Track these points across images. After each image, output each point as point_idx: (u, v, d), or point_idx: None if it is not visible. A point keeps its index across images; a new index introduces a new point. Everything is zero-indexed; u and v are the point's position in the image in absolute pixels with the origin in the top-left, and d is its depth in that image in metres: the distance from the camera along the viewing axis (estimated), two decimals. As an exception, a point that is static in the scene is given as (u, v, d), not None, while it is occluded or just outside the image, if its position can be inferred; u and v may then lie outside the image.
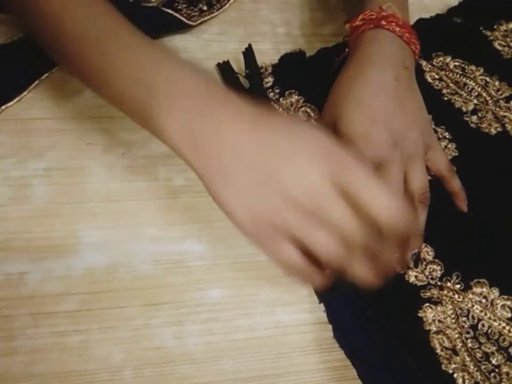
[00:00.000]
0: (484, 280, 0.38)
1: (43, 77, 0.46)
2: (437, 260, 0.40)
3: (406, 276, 0.39)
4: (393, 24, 0.42)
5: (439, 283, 0.39)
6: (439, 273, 0.39)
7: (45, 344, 0.35)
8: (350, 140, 0.39)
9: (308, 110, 0.46)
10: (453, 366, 0.35)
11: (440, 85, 0.49)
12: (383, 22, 0.42)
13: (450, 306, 0.37)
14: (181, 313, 0.37)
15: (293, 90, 0.47)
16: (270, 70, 0.48)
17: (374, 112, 0.39)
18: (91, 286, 0.38)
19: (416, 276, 0.39)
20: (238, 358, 0.36)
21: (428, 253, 0.40)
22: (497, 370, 0.35)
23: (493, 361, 0.36)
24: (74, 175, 0.42)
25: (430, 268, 0.39)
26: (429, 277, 0.39)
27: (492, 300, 0.38)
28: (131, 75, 0.34)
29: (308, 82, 0.47)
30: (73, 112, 0.45)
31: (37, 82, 0.45)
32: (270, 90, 0.47)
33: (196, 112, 0.32)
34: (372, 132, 0.38)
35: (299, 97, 0.46)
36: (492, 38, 0.53)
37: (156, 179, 0.43)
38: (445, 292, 0.38)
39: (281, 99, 0.46)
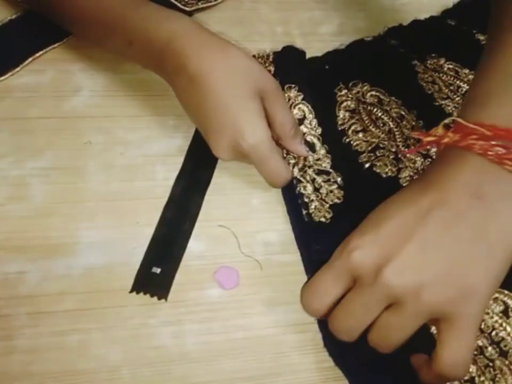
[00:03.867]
0: None
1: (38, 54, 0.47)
2: None
3: None
4: (473, 137, 0.31)
5: None
6: None
7: (43, 344, 0.35)
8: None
9: (305, 108, 0.45)
10: None
11: (432, 88, 0.48)
12: (456, 138, 0.32)
13: None
14: (179, 313, 0.38)
15: (293, 85, 0.46)
16: (271, 58, 0.47)
17: (386, 220, 0.31)
18: (90, 285, 0.38)
19: None
20: (236, 358, 0.36)
21: None
22: (491, 364, 0.35)
23: (487, 355, 0.36)
24: (72, 174, 0.42)
25: None
26: None
27: None
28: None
29: (307, 80, 0.47)
30: (72, 111, 0.44)
31: (30, 59, 0.46)
32: None
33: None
34: (368, 235, 0.31)
35: (298, 93, 0.46)
36: (484, 42, 0.52)
37: (154, 178, 0.43)
38: None
39: None
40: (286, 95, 0.45)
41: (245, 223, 0.42)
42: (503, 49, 0.35)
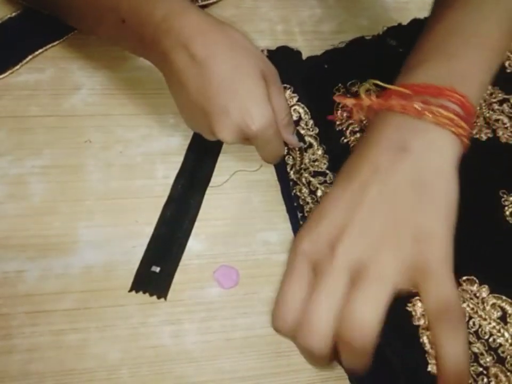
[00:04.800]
0: (473, 277, 0.38)
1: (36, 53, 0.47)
2: None
3: None
4: (393, 98, 0.32)
5: None
6: None
7: (42, 343, 0.35)
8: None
9: (300, 110, 0.45)
10: None
11: None
12: (380, 102, 0.33)
13: None
14: (179, 312, 0.37)
15: (288, 86, 0.46)
16: (265, 54, 0.46)
17: (327, 204, 0.31)
18: (89, 284, 0.38)
19: None
20: (236, 357, 0.36)
21: None
22: (485, 372, 0.35)
23: (482, 363, 0.35)
24: (72, 172, 0.42)
25: None
26: None
27: (483, 298, 0.37)
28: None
29: (306, 80, 0.47)
30: (71, 110, 0.44)
31: (29, 57, 0.46)
32: None
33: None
34: (314, 222, 0.31)
35: (293, 94, 0.45)
36: None
37: (153, 177, 0.42)
38: None
39: None
40: None
41: (244, 222, 0.41)
42: (435, 25, 0.36)
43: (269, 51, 0.47)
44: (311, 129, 0.44)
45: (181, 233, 0.40)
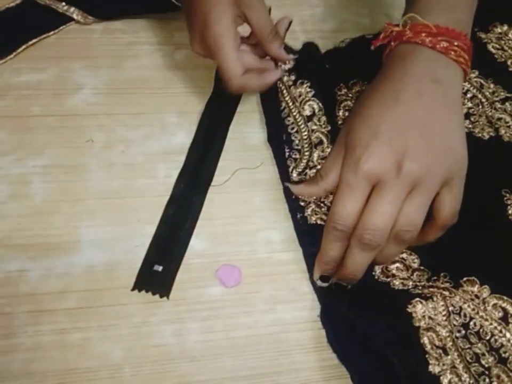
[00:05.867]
0: (473, 278, 0.38)
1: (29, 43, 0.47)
2: (422, 267, 0.39)
3: (391, 284, 0.39)
4: (423, 34, 0.38)
5: (427, 284, 0.38)
6: (426, 277, 0.39)
7: (45, 342, 0.35)
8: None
9: (315, 105, 0.44)
10: (442, 366, 0.34)
11: None
12: (409, 35, 0.39)
13: (442, 303, 0.36)
14: (180, 311, 0.37)
15: (305, 81, 0.45)
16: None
17: (379, 125, 0.36)
18: (91, 283, 0.38)
19: (402, 282, 0.39)
20: (238, 356, 0.36)
21: (413, 260, 0.40)
22: (487, 372, 0.34)
23: (483, 363, 0.35)
24: (73, 172, 0.42)
25: (416, 274, 0.39)
26: (416, 281, 0.39)
27: (484, 299, 0.37)
28: None
29: (318, 77, 0.46)
30: (73, 109, 0.44)
31: (23, 47, 0.47)
32: (287, 74, 0.46)
33: None
34: (372, 144, 0.36)
35: (309, 90, 0.45)
36: (486, 40, 0.52)
37: (155, 176, 0.43)
38: (435, 289, 0.37)
39: (292, 87, 0.45)
40: (298, 90, 0.45)
41: (246, 221, 0.41)
42: None
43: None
44: (323, 126, 0.44)
45: (183, 232, 0.40)
